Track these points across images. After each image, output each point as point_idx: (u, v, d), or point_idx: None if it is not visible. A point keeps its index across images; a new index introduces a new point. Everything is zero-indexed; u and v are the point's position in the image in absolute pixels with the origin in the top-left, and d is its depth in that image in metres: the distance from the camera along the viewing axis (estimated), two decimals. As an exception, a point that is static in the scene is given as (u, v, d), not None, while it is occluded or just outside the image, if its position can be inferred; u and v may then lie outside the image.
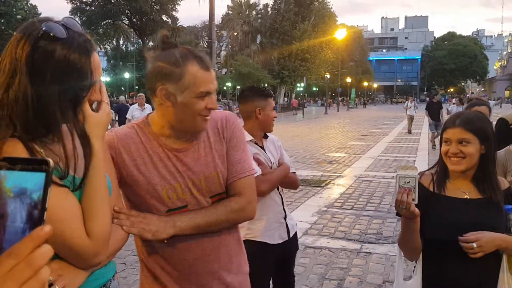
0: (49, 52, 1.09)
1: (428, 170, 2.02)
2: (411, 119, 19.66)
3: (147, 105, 10.57)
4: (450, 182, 1.90)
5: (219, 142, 1.64)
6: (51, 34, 1.10)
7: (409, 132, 19.45)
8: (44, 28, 1.10)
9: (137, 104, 10.70)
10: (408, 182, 1.71)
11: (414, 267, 1.97)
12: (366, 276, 4.32)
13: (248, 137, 2.57)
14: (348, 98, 60.84)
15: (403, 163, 9.24)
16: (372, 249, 5.06)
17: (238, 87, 45.03)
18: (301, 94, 51.11)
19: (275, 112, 2.68)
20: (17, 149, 1.08)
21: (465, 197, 1.85)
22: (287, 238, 2.65)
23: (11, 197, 0.54)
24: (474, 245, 1.70)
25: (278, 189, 2.66)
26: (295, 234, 2.77)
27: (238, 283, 1.70)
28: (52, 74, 1.10)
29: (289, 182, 2.71)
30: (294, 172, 2.76)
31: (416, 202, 1.71)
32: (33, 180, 0.54)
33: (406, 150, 14.03)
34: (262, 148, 2.64)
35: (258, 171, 2.47)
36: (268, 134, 2.74)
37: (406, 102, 22.56)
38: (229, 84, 47.32)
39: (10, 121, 1.09)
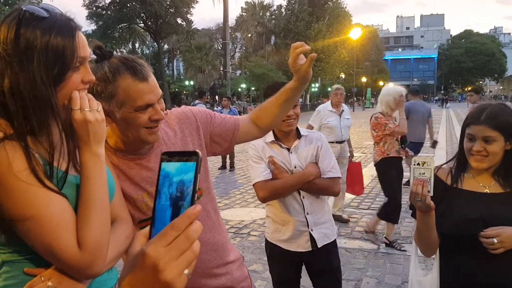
0: (34, 32, 1.04)
1: (445, 163, 1.96)
2: None
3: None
4: (469, 176, 1.84)
5: (196, 130, 1.64)
6: (35, 14, 1.05)
7: None
8: (24, 9, 1.05)
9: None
10: (424, 174, 1.65)
11: (432, 264, 1.93)
12: (384, 277, 4.26)
13: (269, 137, 2.44)
14: (363, 98, 60.32)
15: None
16: (390, 249, 4.99)
17: (253, 88, 45.05)
18: (316, 95, 50.83)
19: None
20: (17, 154, 1.03)
21: (485, 191, 1.79)
22: (310, 249, 2.46)
23: (174, 182, 0.63)
24: (495, 240, 1.64)
25: (299, 195, 2.45)
26: (328, 246, 2.50)
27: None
28: (39, 56, 1.04)
29: (317, 189, 2.43)
30: (333, 177, 2.43)
31: (431, 194, 1.65)
32: (186, 169, 0.63)
33: (424, 149, 13.79)
34: (288, 149, 2.46)
35: (265, 176, 2.38)
36: (308, 132, 2.52)
37: None
38: (243, 85, 47.40)
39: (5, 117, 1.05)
